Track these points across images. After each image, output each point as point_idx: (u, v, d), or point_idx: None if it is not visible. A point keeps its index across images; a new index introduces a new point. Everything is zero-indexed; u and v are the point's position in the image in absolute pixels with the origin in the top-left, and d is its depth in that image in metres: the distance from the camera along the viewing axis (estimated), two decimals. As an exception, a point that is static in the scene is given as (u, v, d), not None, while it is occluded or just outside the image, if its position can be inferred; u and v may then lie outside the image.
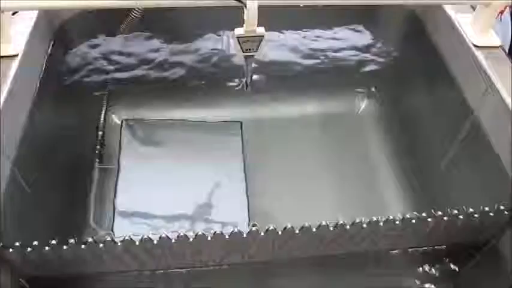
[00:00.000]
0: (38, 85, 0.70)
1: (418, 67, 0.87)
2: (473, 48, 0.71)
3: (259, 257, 0.62)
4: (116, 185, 0.83)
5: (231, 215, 0.81)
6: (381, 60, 0.94)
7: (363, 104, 1.00)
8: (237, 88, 0.94)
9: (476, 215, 0.59)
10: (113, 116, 0.94)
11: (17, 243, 0.54)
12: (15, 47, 0.65)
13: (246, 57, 0.69)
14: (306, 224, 0.57)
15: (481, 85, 0.68)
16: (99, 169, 0.87)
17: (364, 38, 0.91)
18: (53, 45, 0.76)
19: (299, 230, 0.57)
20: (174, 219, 0.80)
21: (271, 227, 0.56)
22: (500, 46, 0.71)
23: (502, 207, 0.59)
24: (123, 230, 0.78)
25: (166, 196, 0.83)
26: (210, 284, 0.66)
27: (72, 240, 0.55)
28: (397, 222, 0.59)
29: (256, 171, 0.87)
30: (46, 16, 0.74)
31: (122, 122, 0.92)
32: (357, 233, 0.60)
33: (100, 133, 0.90)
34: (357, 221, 0.57)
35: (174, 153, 0.89)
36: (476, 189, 0.71)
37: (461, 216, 0.59)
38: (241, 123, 0.94)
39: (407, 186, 0.87)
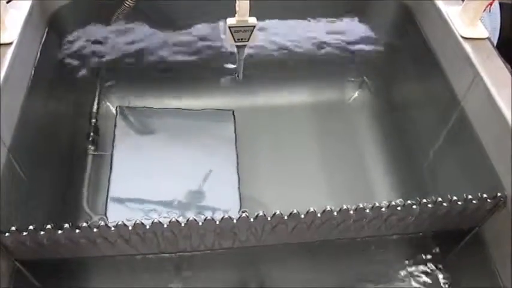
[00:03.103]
0: (33, 72, 0.71)
1: (408, 57, 0.88)
2: (461, 40, 0.72)
3: (249, 242, 0.64)
4: (109, 172, 0.84)
5: (222, 201, 0.83)
6: (372, 50, 0.95)
7: (354, 93, 1.01)
8: (229, 77, 0.95)
9: (460, 203, 0.61)
10: (107, 103, 0.95)
11: (13, 228, 0.56)
12: (10, 35, 0.66)
13: (237, 47, 0.70)
14: (295, 211, 0.58)
15: (467, 76, 0.69)
16: (93, 156, 0.88)
17: (355, 28, 0.91)
18: (47, 33, 0.76)
19: (288, 216, 0.59)
20: (166, 205, 0.82)
21: (261, 213, 0.58)
22: (487, 38, 0.72)
23: (485, 195, 0.62)
24: (117, 215, 0.79)
25: (159, 183, 0.84)
26: (200, 268, 0.68)
27: (66, 225, 0.56)
28: (383, 209, 0.61)
29: (248, 159, 0.89)
30: (40, 3, 0.75)
31: (116, 109, 0.93)
32: (345, 220, 0.62)
33: (94, 120, 0.91)
34: (344, 207, 0.59)
35: (167, 141, 0.90)
36: (462, 177, 0.73)
37: (445, 204, 0.61)
38: (233, 111, 0.95)
39: (396, 175, 0.89)
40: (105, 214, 0.79)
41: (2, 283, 0.59)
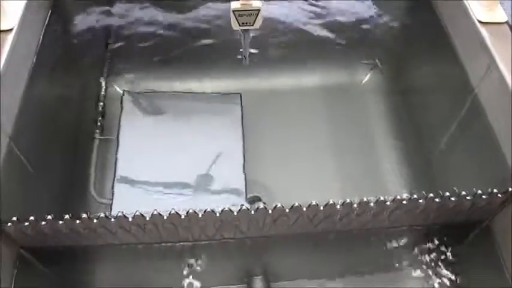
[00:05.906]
0: (36, 57, 0.70)
1: (422, 41, 0.85)
2: (478, 24, 0.68)
3: (250, 233, 0.63)
4: (116, 154, 0.84)
5: (228, 184, 0.82)
6: (385, 32, 0.91)
7: (366, 76, 0.98)
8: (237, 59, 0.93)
9: (468, 198, 0.59)
10: (114, 86, 0.94)
11: (14, 218, 0.56)
12: (9, 21, 0.65)
13: (242, 31, 0.68)
14: (296, 203, 0.57)
15: (483, 62, 0.66)
16: (100, 140, 0.87)
17: (368, 9, 0.88)
18: (50, 17, 0.75)
19: (289, 209, 0.58)
20: (173, 187, 0.82)
21: (261, 206, 0.57)
22: (506, 22, 0.68)
23: (495, 190, 0.59)
24: (123, 196, 0.80)
25: (166, 165, 0.84)
26: (202, 258, 0.68)
27: (67, 216, 0.56)
28: (388, 203, 0.59)
29: (255, 142, 0.88)
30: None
31: (122, 92, 0.92)
32: (348, 213, 0.60)
33: (101, 104, 0.90)
34: (348, 201, 0.58)
35: (174, 124, 0.89)
36: (473, 167, 0.71)
37: (453, 199, 0.59)
38: (240, 94, 0.93)
39: (408, 162, 0.87)
40: (112, 196, 0.80)
41: (7, 268, 0.60)
